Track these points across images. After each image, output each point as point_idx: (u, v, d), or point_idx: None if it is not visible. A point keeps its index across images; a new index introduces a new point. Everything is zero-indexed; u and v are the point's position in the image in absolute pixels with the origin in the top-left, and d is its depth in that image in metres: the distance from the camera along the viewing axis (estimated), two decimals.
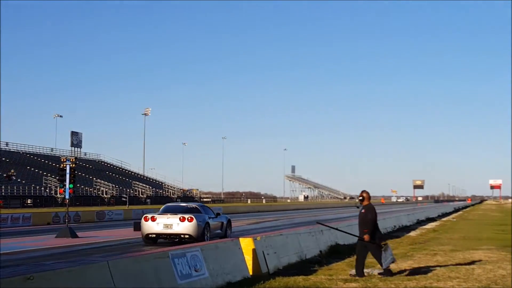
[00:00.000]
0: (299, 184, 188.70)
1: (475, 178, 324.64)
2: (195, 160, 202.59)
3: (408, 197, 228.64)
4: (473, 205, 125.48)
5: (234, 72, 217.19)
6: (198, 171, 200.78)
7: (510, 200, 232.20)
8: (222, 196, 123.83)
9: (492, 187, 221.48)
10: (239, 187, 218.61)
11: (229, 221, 21.03)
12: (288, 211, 68.42)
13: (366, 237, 11.26)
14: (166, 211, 19.56)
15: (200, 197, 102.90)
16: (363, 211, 11.48)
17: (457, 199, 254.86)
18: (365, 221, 11.34)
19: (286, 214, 56.99)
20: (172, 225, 18.64)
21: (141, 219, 19.05)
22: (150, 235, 18.75)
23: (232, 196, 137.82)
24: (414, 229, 29.74)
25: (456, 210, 70.70)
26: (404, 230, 29.04)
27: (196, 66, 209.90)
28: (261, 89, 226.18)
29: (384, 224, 26.98)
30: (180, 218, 18.77)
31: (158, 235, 18.68)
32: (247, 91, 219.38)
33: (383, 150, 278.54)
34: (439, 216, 50.27)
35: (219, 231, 19.96)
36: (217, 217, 20.30)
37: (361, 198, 11.63)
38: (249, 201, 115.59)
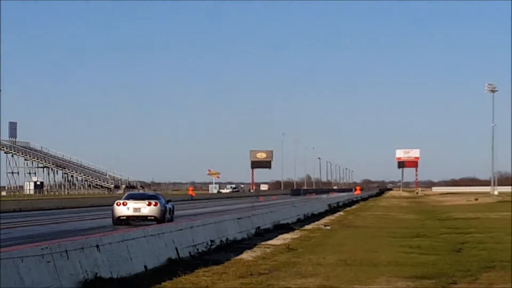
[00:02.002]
0: (27, 159, 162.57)
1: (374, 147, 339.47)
2: None
3: (242, 185, 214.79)
4: (365, 198, 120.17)
5: None
6: None
7: (437, 189, 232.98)
8: None
9: (402, 165, 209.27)
10: None
11: (173, 208, 39.10)
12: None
13: None
14: (131, 198, 37.05)
15: None
16: None
17: (335, 187, 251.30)
18: None
19: None
20: (140, 208, 35.50)
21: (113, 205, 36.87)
22: (121, 217, 35.60)
23: None
24: (250, 247, 28.25)
25: (334, 209, 67.40)
26: (231, 248, 27.76)
27: None
28: None
29: (193, 237, 25.69)
30: (147, 203, 35.84)
31: (129, 217, 35.67)
32: None
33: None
34: (299, 220, 46.95)
35: (168, 215, 37.18)
36: (167, 203, 37.79)
37: None
38: None
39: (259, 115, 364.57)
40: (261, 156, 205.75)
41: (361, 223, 46.47)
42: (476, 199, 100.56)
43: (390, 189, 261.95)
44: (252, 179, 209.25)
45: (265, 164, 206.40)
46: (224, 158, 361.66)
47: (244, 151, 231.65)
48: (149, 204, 36.23)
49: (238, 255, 24.96)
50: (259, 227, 36.04)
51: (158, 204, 36.38)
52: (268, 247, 28.09)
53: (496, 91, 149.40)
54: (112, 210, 37.00)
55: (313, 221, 47.27)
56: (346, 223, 46.07)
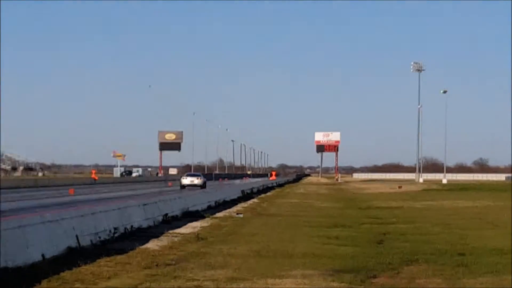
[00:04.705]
0: None
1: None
2: None
3: (149, 168, 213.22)
4: (281, 184, 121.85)
5: None
6: None
7: (359, 175, 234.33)
8: None
9: (321, 149, 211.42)
10: None
11: (206, 180, 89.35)
12: None
13: None
14: (189, 175, 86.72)
15: None
16: None
17: (249, 172, 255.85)
18: None
19: None
20: (193, 180, 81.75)
21: (180, 179, 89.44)
22: (184, 185, 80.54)
23: None
24: (157, 236, 28.32)
25: (247, 196, 68.15)
26: (135, 237, 27.78)
27: None
28: None
29: (95, 224, 25.53)
30: (197, 178, 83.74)
31: (188, 185, 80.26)
32: None
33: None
34: (210, 207, 47.44)
35: (205, 184, 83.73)
36: (205, 178, 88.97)
37: None
38: None
39: (168, 93, 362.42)
40: (170, 137, 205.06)
41: (276, 211, 46.70)
42: (399, 187, 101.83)
43: (308, 175, 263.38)
44: (160, 162, 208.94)
45: (174, 146, 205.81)
46: (131, 139, 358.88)
47: (152, 131, 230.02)
48: (198, 178, 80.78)
49: (143, 244, 24.86)
50: (166, 214, 36.07)
51: (202, 178, 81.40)
52: (176, 236, 28.04)
53: (423, 70, 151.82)
54: (180, 181, 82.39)
55: (225, 209, 47.52)
56: (260, 211, 46.28)
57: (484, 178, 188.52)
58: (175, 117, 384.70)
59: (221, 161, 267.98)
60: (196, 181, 79.76)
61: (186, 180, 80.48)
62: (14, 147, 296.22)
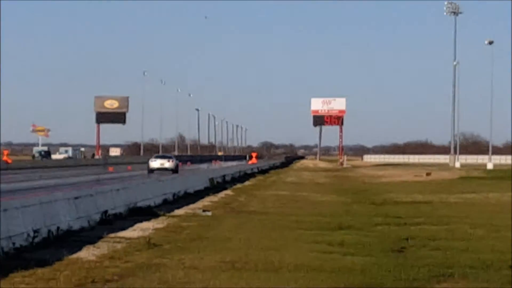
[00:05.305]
0: None
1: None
2: None
3: (82, 148, 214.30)
4: (265, 170, 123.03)
5: None
6: None
7: (372, 157, 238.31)
8: None
9: (320, 121, 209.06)
10: None
11: (178, 163, 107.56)
12: None
13: None
14: (158, 157, 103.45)
15: None
16: None
17: (221, 153, 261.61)
18: None
19: None
20: (164, 163, 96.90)
21: (148, 161, 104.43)
22: (153, 169, 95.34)
23: None
24: (93, 242, 28.10)
25: (218, 186, 69.38)
26: (64, 242, 27.29)
27: None
28: None
29: (7, 225, 25.10)
30: (167, 160, 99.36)
31: (157, 169, 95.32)
32: None
33: None
34: (167, 202, 48.13)
35: (177, 168, 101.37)
36: (177, 160, 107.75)
37: None
38: None
39: (109, 49, 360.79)
40: (111, 105, 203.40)
41: (258, 207, 47.13)
42: (428, 174, 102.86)
43: (302, 157, 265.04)
44: (98, 139, 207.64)
45: (117, 117, 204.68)
46: (57, 109, 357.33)
47: (87, 98, 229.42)
48: (169, 161, 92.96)
49: (74, 252, 24.73)
50: (106, 212, 36.07)
51: (174, 161, 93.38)
52: (119, 241, 28.07)
53: (460, 13, 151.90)
54: (148, 165, 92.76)
55: (187, 204, 47.70)
56: (235, 207, 46.67)
57: None
58: (118, 78, 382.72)
59: (181, 138, 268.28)
60: (167, 164, 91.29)
61: (155, 163, 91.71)
62: None
